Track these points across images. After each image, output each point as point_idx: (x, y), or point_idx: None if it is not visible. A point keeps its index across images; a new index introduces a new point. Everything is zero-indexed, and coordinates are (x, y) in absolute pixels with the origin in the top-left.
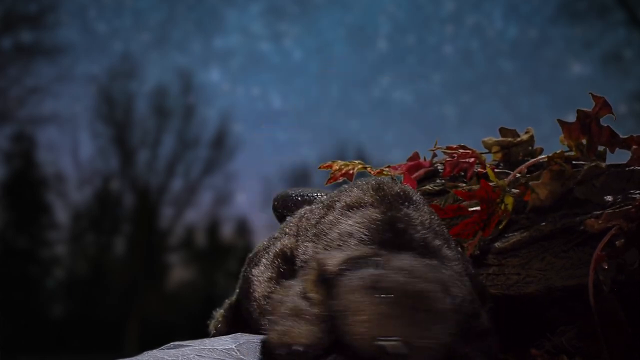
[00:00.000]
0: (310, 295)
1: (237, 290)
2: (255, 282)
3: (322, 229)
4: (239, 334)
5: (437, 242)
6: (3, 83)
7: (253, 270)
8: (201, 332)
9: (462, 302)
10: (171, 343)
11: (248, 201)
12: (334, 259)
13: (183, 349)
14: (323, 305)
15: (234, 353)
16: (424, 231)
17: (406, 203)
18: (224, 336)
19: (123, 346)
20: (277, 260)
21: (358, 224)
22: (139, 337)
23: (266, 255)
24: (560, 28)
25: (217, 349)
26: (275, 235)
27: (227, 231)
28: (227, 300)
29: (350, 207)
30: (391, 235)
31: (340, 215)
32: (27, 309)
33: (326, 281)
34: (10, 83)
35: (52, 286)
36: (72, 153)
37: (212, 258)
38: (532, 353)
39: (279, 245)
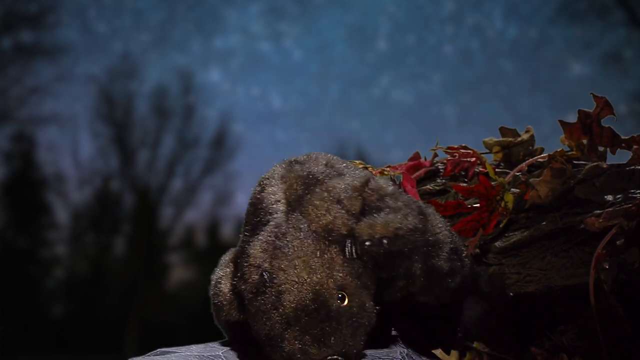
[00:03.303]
0: None
1: None
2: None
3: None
4: (226, 341)
5: None
6: (3, 83)
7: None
8: (201, 333)
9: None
10: (158, 349)
11: (248, 201)
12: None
13: (169, 355)
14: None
15: None
16: None
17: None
18: (212, 342)
19: (123, 346)
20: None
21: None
22: (139, 337)
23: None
24: (560, 28)
25: (203, 356)
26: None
27: (227, 231)
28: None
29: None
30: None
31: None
32: (27, 309)
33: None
34: (10, 83)
35: (52, 286)
36: (72, 153)
37: (212, 258)
38: (532, 352)
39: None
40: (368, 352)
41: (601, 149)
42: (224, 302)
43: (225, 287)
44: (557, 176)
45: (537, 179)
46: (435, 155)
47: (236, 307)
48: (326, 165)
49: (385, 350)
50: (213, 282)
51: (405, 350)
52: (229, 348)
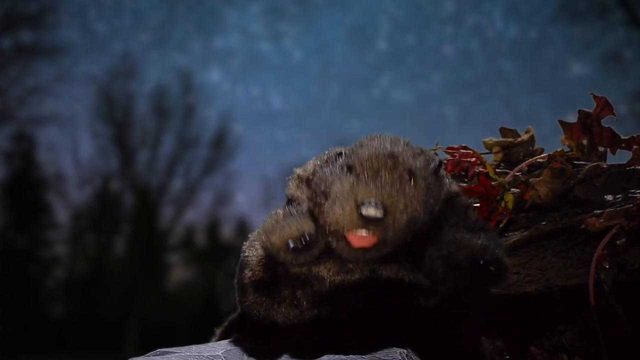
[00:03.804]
0: (295, 195)
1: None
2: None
3: None
4: (226, 341)
5: None
6: (3, 83)
7: (244, 271)
8: (201, 333)
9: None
10: (158, 349)
11: (248, 201)
12: (307, 165)
13: (169, 355)
14: (307, 202)
15: None
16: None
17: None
18: (212, 343)
19: (123, 346)
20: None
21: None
22: (139, 337)
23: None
24: (560, 28)
25: (202, 356)
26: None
27: (227, 231)
28: (228, 318)
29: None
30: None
31: None
32: (27, 309)
33: (305, 180)
34: (10, 83)
35: (52, 286)
36: (72, 153)
37: (212, 258)
38: (532, 352)
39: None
40: (368, 352)
41: (601, 149)
42: (254, 260)
43: (258, 244)
44: (557, 176)
45: (537, 179)
46: (436, 155)
47: (264, 265)
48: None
49: (385, 350)
50: (247, 243)
51: (405, 350)
52: (229, 348)
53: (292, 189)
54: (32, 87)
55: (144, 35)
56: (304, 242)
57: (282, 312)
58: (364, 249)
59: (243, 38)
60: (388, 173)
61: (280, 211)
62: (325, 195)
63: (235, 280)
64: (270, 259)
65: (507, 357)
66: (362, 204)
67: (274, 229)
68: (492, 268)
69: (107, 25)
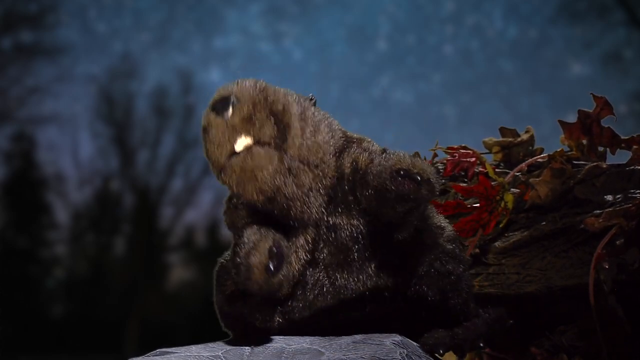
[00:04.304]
0: None
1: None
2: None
3: None
4: (226, 341)
5: None
6: (3, 83)
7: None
8: (201, 333)
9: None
10: (157, 350)
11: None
12: None
13: (168, 355)
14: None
15: None
16: None
17: None
18: (212, 343)
19: (123, 346)
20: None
21: None
22: (139, 337)
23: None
24: (560, 28)
25: (202, 356)
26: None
27: (227, 231)
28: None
29: None
30: None
31: None
32: (27, 309)
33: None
34: (10, 83)
35: (52, 286)
36: (72, 153)
37: (212, 258)
38: (532, 352)
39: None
40: (368, 352)
41: (601, 149)
42: (223, 276)
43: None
44: (557, 176)
45: (537, 179)
46: (435, 155)
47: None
48: None
49: (385, 350)
50: (217, 266)
51: (405, 350)
52: (228, 348)
53: (227, 219)
54: (32, 87)
55: (144, 35)
56: (276, 256)
57: (263, 318)
58: (249, 149)
59: (243, 38)
60: None
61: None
62: None
63: (214, 299)
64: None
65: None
66: (213, 105)
67: (240, 264)
68: (414, 175)
69: (107, 25)
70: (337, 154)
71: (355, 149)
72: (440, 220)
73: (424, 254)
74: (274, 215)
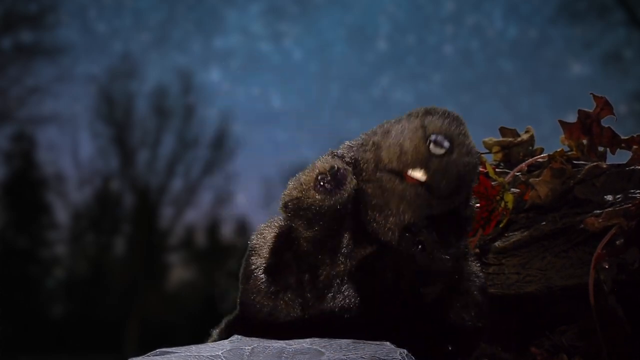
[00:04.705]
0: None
1: (238, 302)
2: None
3: None
4: (227, 340)
5: None
6: (3, 83)
7: (251, 258)
8: (201, 333)
9: None
10: (157, 349)
11: (248, 201)
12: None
13: (168, 355)
14: None
15: None
16: None
17: None
18: (213, 342)
19: (123, 346)
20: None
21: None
22: (139, 337)
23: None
24: (560, 28)
25: (202, 356)
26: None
27: (227, 231)
28: (224, 320)
29: None
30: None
31: None
32: (27, 309)
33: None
34: (10, 83)
35: (52, 286)
36: (72, 153)
37: (212, 258)
38: (532, 352)
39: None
40: (368, 352)
41: (601, 149)
42: (261, 246)
43: (268, 232)
44: (557, 176)
45: (537, 179)
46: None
47: (271, 251)
48: None
49: (385, 350)
50: (255, 232)
51: (405, 350)
52: (229, 348)
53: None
54: (32, 87)
55: (144, 35)
56: (334, 177)
57: (285, 302)
58: (415, 185)
59: (243, 38)
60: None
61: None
62: (382, 139)
63: (241, 270)
64: (278, 243)
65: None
66: (432, 136)
67: (299, 175)
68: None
69: (107, 25)
70: None
71: None
72: (475, 266)
73: (456, 300)
74: (359, 220)
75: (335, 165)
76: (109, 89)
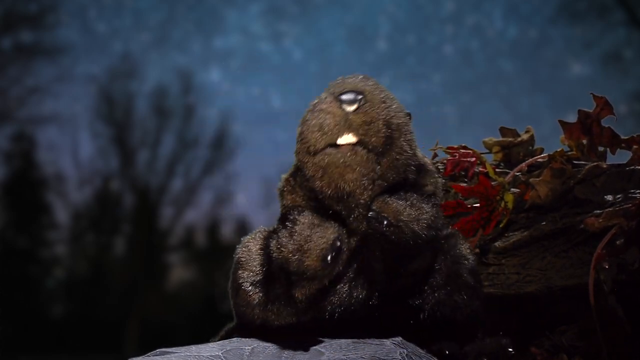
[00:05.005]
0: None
1: (233, 314)
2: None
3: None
4: (227, 341)
5: None
6: (3, 83)
7: (238, 272)
8: (201, 333)
9: None
10: (157, 349)
11: (248, 201)
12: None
13: (168, 355)
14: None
15: None
16: None
17: None
18: (212, 343)
19: (123, 346)
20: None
21: None
22: (139, 337)
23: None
24: (560, 28)
25: (202, 356)
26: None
27: (227, 231)
28: (225, 328)
29: None
30: None
31: None
32: (27, 309)
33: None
34: (10, 83)
35: (52, 286)
36: (72, 153)
37: (212, 258)
38: (532, 352)
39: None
40: (368, 352)
41: (601, 149)
42: (247, 260)
43: (253, 245)
44: (557, 176)
45: (537, 179)
46: (435, 155)
47: (257, 264)
48: None
49: (385, 350)
50: (240, 245)
51: (405, 350)
52: (229, 348)
53: (287, 197)
54: (32, 87)
55: (144, 35)
56: (337, 249)
57: (276, 312)
58: (349, 148)
59: (243, 38)
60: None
61: (281, 226)
62: (303, 127)
63: (229, 283)
64: (264, 256)
65: (512, 352)
66: (342, 96)
67: (299, 248)
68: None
69: (107, 25)
70: (406, 179)
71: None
72: (465, 249)
73: (445, 283)
74: (332, 213)
75: (332, 238)
76: (109, 89)
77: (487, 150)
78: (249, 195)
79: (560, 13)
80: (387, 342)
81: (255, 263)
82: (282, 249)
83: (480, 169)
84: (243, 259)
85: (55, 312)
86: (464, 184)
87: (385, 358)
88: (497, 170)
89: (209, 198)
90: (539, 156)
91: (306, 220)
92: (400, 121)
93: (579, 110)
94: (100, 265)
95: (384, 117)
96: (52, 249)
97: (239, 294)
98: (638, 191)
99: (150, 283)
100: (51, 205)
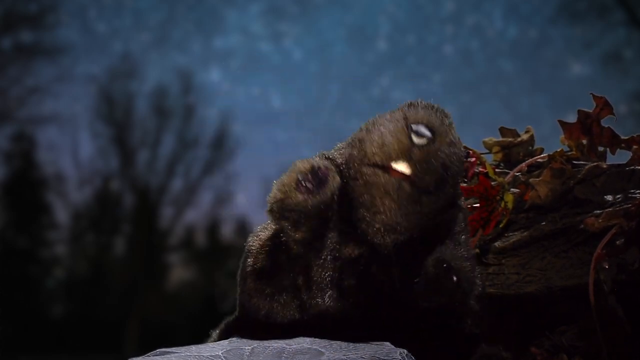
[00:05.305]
0: None
1: (237, 303)
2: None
3: None
4: (226, 341)
5: None
6: (3, 83)
7: (247, 260)
8: (201, 333)
9: None
10: (157, 349)
11: (248, 201)
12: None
13: (168, 355)
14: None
15: None
16: None
17: None
18: (212, 343)
19: (123, 346)
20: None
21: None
22: (139, 337)
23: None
24: (560, 28)
25: (202, 356)
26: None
27: (227, 231)
28: (224, 321)
29: None
30: None
31: None
32: (27, 309)
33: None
34: (10, 83)
35: (52, 286)
36: (72, 153)
37: (212, 258)
38: (532, 352)
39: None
40: (368, 352)
41: (601, 149)
42: (256, 248)
43: (264, 234)
44: (557, 176)
45: (537, 179)
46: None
47: (266, 253)
48: None
49: (385, 350)
50: (252, 234)
51: (405, 350)
52: (229, 348)
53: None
54: (32, 87)
55: (144, 35)
56: (315, 176)
57: (282, 303)
58: (399, 179)
59: (243, 38)
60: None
61: None
62: (365, 134)
63: (238, 271)
64: (273, 245)
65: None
66: (413, 126)
67: (281, 177)
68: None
69: (107, 25)
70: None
71: None
72: (462, 250)
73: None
74: (349, 221)
75: (316, 164)
76: (109, 89)
77: (487, 150)
78: (249, 195)
79: (560, 13)
80: (387, 342)
81: (264, 252)
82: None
83: (480, 169)
84: (253, 248)
85: (55, 312)
86: (464, 184)
87: (385, 358)
88: (497, 170)
89: (209, 198)
90: (539, 156)
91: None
92: (457, 168)
93: (579, 110)
94: (100, 265)
95: (443, 160)
96: (52, 249)
97: (247, 282)
98: (638, 191)
99: (150, 283)
100: (51, 205)
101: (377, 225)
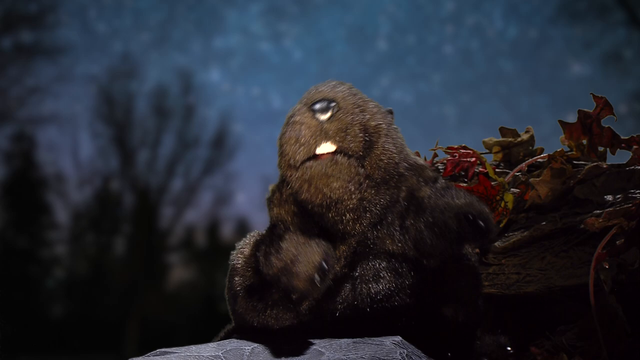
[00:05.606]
0: None
1: (232, 319)
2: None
3: None
4: (226, 341)
5: None
6: (3, 83)
7: (234, 278)
8: (201, 333)
9: None
10: (157, 349)
11: (248, 201)
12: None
13: (168, 355)
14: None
15: None
16: None
17: None
18: (212, 343)
19: (123, 346)
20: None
21: None
22: (139, 337)
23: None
24: (560, 28)
25: (202, 356)
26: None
27: (227, 231)
28: (224, 329)
29: None
30: None
31: None
32: (27, 309)
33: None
34: (10, 83)
35: (52, 286)
36: (72, 153)
37: (212, 258)
38: (532, 351)
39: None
40: (368, 352)
41: (601, 149)
42: (243, 266)
43: (247, 250)
44: (557, 176)
45: (537, 179)
46: (435, 155)
47: (253, 270)
48: None
49: (385, 350)
50: (235, 251)
51: (405, 350)
52: (229, 348)
53: (274, 209)
54: (32, 87)
55: (144, 35)
56: (323, 270)
57: (275, 317)
58: (330, 157)
59: (243, 38)
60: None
61: (268, 239)
62: (281, 141)
63: (226, 289)
64: (258, 262)
65: (510, 350)
66: (312, 106)
67: (287, 268)
68: (480, 222)
69: (107, 25)
70: (398, 176)
71: (414, 175)
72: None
73: (454, 282)
74: (321, 220)
75: (321, 261)
76: (109, 89)
77: (487, 150)
78: (249, 195)
79: (560, 13)
80: (387, 342)
81: (251, 269)
82: (271, 266)
83: (480, 169)
84: (238, 265)
85: (55, 312)
86: (464, 184)
87: (385, 358)
88: (497, 170)
89: (209, 198)
90: (539, 156)
91: (293, 238)
92: (378, 122)
93: (579, 110)
94: (100, 265)
95: (359, 121)
96: (52, 249)
97: (237, 301)
98: (638, 191)
99: (150, 283)
100: (51, 205)
101: (347, 216)
